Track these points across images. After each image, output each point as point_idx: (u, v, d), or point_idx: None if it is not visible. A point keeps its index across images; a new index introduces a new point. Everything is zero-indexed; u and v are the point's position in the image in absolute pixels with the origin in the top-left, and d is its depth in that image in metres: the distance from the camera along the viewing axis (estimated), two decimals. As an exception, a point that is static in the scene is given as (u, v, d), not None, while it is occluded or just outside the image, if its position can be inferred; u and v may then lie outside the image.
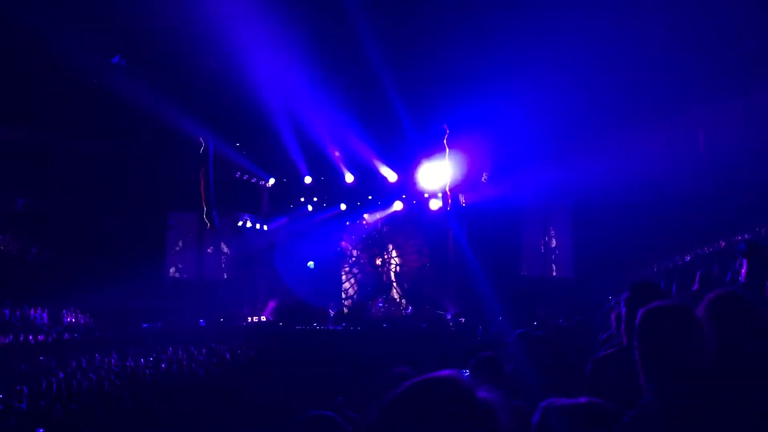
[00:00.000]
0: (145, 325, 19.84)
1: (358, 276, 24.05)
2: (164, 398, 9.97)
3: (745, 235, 14.94)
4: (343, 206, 23.25)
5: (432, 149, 20.66)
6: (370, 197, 23.24)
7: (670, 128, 18.58)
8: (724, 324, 2.19)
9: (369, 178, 22.51)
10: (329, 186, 23.11)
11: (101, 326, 19.27)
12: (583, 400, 1.67)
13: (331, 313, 22.24)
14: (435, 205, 22.05)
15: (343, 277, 24.15)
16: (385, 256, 23.98)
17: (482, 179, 20.99)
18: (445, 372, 1.20)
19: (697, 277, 5.29)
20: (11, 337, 16.40)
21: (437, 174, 21.03)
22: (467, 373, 3.27)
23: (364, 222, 24.01)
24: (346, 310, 23.46)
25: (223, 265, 23.55)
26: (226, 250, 23.49)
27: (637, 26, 14.63)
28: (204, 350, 14.92)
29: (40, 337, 16.72)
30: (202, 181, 20.01)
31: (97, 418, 8.79)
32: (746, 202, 15.38)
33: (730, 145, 17.40)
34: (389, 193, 22.79)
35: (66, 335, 17.51)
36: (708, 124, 18.19)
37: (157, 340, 16.82)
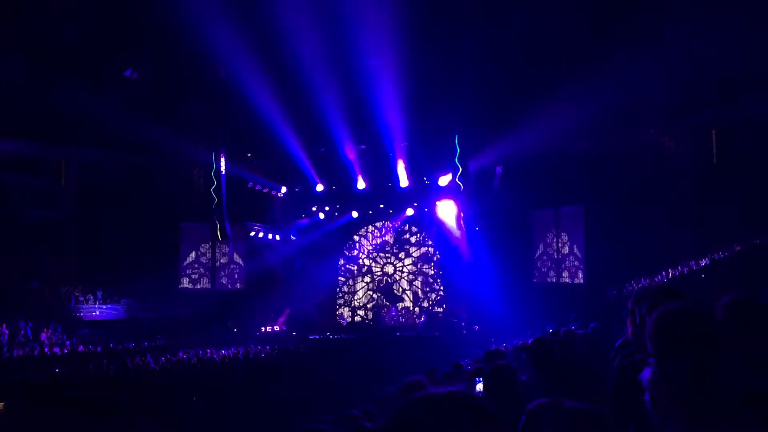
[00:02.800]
0: (159, 336, 19.89)
1: (371, 284, 24.01)
2: (179, 407, 9.99)
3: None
4: (354, 214, 23.24)
5: (445, 155, 20.62)
6: (382, 205, 23.21)
7: (682, 130, 18.48)
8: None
9: (381, 183, 22.43)
10: (341, 193, 23.08)
11: (115, 338, 19.33)
12: (568, 403, 1.56)
13: (345, 322, 22.22)
14: (446, 211, 21.96)
15: (357, 285, 24.13)
16: (398, 264, 23.94)
17: (496, 174, 20.92)
18: (457, 387, 1.21)
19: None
20: (27, 349, 16.49)
21: (450, 179, 21.01)
22: (480, 382, 3.25)
23: (376, 230, 24.00)
24: (359, 319, 23.44)
25: (236, 276, 23.59)
26: (238, 260, 23.53)
27: (650, 30, 14.61)
28: (218, 359, 14.94)
29: (56, 350, 16.79)
30: (214, 192, 20.08)
31: (112, 424, 8.83)
32: (763, 204, 15.23)
33: (744, 147, 17.27)
34: (401, 199, 22.73)
35: (81, 348, 17.57)
36: (721, 126, 18.06)
37: (171, 351, 16.84)
